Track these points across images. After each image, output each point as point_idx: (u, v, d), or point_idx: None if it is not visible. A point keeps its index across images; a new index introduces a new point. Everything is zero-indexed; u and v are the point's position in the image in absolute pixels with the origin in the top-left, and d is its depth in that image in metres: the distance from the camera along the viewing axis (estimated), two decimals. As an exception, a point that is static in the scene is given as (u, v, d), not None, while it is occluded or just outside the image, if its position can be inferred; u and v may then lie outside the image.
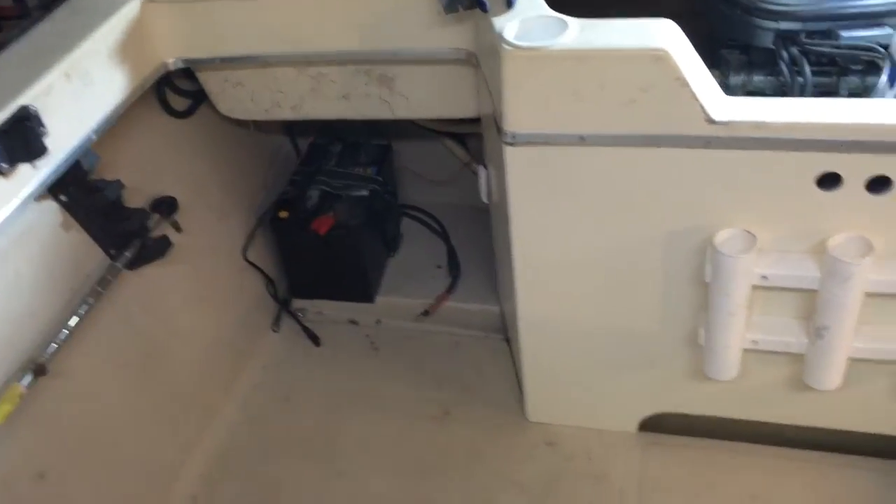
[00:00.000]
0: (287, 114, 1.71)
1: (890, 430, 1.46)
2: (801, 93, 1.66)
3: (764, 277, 1.26)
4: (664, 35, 1.15)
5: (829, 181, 1.17)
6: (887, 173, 1.14)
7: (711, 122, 1.15)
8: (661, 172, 1.23)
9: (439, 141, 2.16)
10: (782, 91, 1.74)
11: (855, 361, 1.33)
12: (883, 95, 1.40)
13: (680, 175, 1.23)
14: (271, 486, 1.65)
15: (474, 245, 2.07)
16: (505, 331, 1.92)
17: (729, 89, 1.85)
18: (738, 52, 1.91)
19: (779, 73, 1.80)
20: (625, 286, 1.40)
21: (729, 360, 1.37)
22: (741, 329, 1.33)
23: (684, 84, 1.13)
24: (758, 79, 1.83)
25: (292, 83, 1.65)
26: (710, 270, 1.27)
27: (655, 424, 1.62)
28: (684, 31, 1.21)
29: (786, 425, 1.52)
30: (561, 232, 1.37)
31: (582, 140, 1.24)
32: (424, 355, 1.92)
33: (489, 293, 1.98)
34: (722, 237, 1.25)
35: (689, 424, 1.60)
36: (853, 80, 1.54)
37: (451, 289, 2.02)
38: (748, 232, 1.25)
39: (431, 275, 2.07)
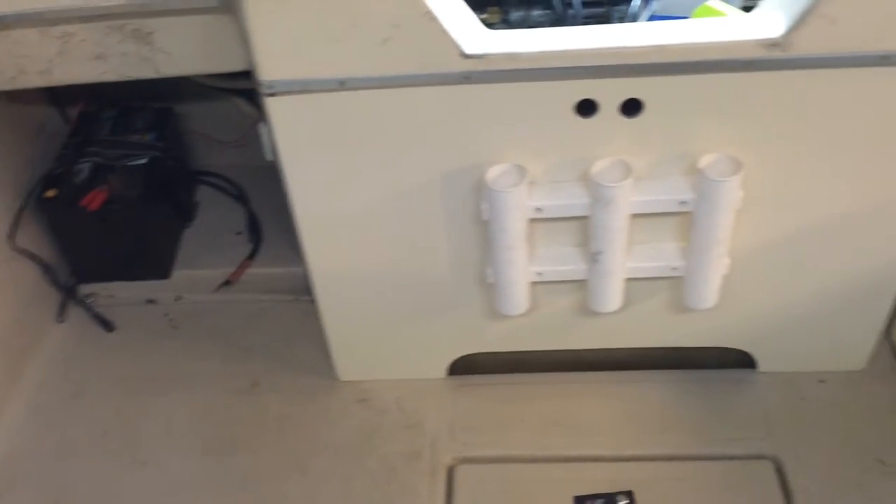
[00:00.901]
0: (36, 80, 1.53)
1: (672, 343, 1.55)
2: (574, 24, 1.70)
3: (538, 209, 1.28)
4: (408, -32, 1.10)
5: (586, 108, 1.19)
6: (638, 96, 1.18)
7: (465, 56, 1.13)
8: (425, 112, 1.21)
9: (227, 99, 2.04)
10: (559, 24, 1.77)
11: (631, 281, 1.39)
12: (637, 19, 1.45)
13: (444, 114, 1.21)
14: (66, 490, 1.52)
15: (276, 206, 1.95)
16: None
17: (511, 24, 1.87)
18: (520, -13, 1.93)
19: (556, 5, 1.83)
20: (410, 232, 1.38)
21: (517, 294, 1.39)
22: (524, 263, 1.34)
23: (432, 18, 1.09)
24: (536, 13, 1.86)
25: (36, 46, 1.47)
26: (486, 208, 1.27)
27: (464, 367, 1.63)
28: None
29: (581, 350, 1.58)
30: (337, 183, 1.32)
31: (342, 85, 1.19)
32: (229, 327, 1.83)
33: (294, 254, 1.89)
34: (493, 173, 1.25)
35: (495, 362, 1.62)
36: (622, 9, 1.58)
37: (252, 255, 1.93)
38: (518, 166, 1.25)
39: (231, 242, 1.97)
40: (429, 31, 1.11)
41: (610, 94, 1.18)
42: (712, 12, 1.33)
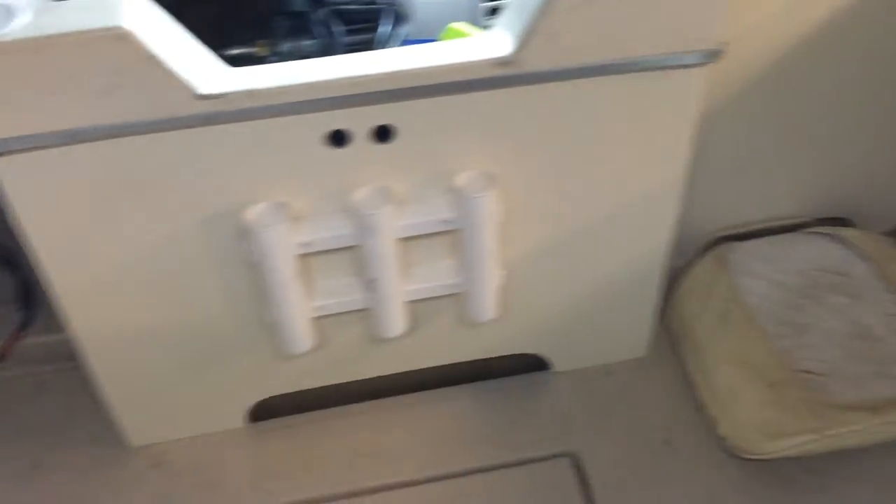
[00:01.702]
0: None
1: (466, 357, 1.58)
2: (339, 52, 1.70)
3: (307, 244, 1.25)
4: (129, 12, 1.04)
5: (338, 138, 1.18)
6: (388, 122, 1.18)
7: (200, 97, 1.08)
8: (167, 159, 1.15)
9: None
10: (329, 53, 1.77)
11: (415, 303, 1.40)
12: (387, 45, 1.46)
13: (189, 158, 1.15)
14: None
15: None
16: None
17: (283, 57, 1.84)
18: (286, 18, 1.91)
19: (320, 35, 1.82)
20: (176, 284, 1.31)
21: (299, 332, 1.35)
22: (301, 300, 1.31)
23: (157, 62, 1.04)
24: (306, 44, 1.84)
25: None
26: (251, 249, 1.22)
27: (264, 411, 1.57)
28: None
29: (381, 377, 1.57)
30: (88, 241, 1.23)
31: (73, 137, 1.10)
32: (3, 406, 1.66)
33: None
34: (253, 213, 1.21)
35: (296, 402, 1.58)
36: (383, 34, 1.60)
37: (25, 324, 1.77)
38: (279, 203, 1.22)
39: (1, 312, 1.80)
40: (155, 75, 1.05)
41: (359, 122, 1.17)
42: (458, 34, 1.37)
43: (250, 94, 1.10)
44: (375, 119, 1.18)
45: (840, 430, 1.40)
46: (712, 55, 1.19)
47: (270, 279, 1.25)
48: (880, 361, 1.50)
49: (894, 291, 1.60)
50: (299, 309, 1.32)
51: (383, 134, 1.20)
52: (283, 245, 1.22)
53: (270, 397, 1.54)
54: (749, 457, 1.45)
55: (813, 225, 1.78)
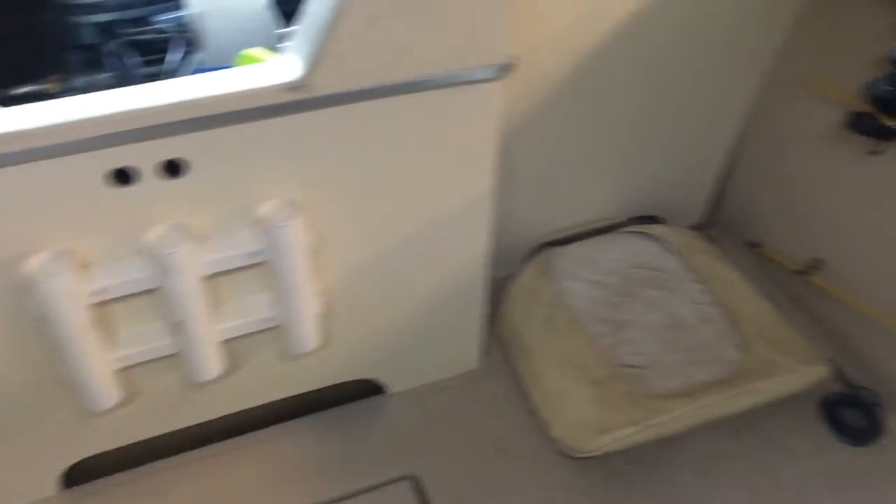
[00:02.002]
0: None
1: (297, 390, 1.52)
2: (135, 84, 1.60)
3: (100, 292, 1.16)
4: None
5: (123, 177, 1.10)
6: (178, 155, 1.11)
7: (-45, 142, 0.98)
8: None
9: None
10: (126, 84, 1.66)
11: (231, 341, 1.33)
12: (178, 74, 1.39)
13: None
14: None
15: None
16: None
17: (77, 91, 1.72)
18: (79, 52, 1.79)
19: (113, 67, 1.72)
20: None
21: (101, 387, 1.25)
22: (99, 352, 1.21)
23: None
24: (103, 77, 1.73)
25: None
26: (35, 303, 1.12)
27: (83, 474, 1.44)
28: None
29: (210, 421, 1.48)
30: None
31: None
32: None
33: None
34: (34, 264, 1.10)
35: (119, 459, 1.46)
36: (172, 63, 1.52)
37: None
38: (64, 250, 1.12)
39: None
40: None
41: (145, 158, 1.10)
42: (252, 59, 1.32)
43: (20, 135, 1.00)
44: (163, 153, 1.10)
45: (660, 419, 1.46)
46: (505, 69, 1.21)
47: (60, 333, 1.15)
48: (693, 349, 1.58)
49: (701, 281, 1.70)
50: (98, 362, 1.22)
51: (174, 168, 1.13)
52: (70, 295, 1.12)
53: (86, 458, 1.42)
54: (580, 455, 1.48)
55: (627, 225, 1.87)
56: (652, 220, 1.90)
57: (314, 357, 1.42)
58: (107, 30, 1.66)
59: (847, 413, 1.61)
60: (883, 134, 1.44)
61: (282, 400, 1.52)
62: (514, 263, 1.78)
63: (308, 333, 1.35)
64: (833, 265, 1.67)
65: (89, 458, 1.42)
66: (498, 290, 1.71)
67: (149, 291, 1.20)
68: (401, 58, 1.13)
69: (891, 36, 1.41)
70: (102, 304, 1.18)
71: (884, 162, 1.50)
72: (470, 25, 1.14)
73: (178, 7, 1.65)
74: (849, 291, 1.63)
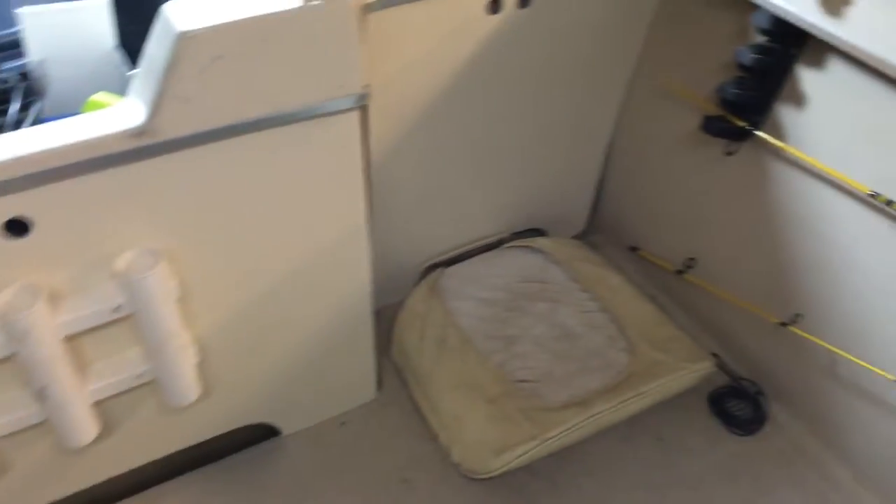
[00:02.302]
0: None
1: (182, 444, 1.46)
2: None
3: (-52, 365, 1.09)
4: None
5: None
6: (19, 213, 1.06)
7: None
8: None
9: None
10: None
11: (105, 401, 1.27)
12: (20, 125, 1.33)
13: None
14: None
15: None
16: None
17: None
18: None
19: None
20: None
21: (-37, 465, 1.18)
22: (-44, 428, 1.14)
23: None
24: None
25: None
26: None
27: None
28: None
29: (92, 486, 1.41)
30: None
31: None
32: None
33: None
34: None
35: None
36: (12, 115, 1.45)
37: None
38: None
39: None
40: None
41: (-18, 217, 1.04)
42: (99, 105, 1.28)
43: None
44: (3, 212, 1.05)
45: (556, 432, 1.47)
46: (361, 98, 1.21)
47: None
48: (583, 357, 1.61)
49: (586, 290, 1.74)
50: (-44, 439, 1.14)
51: (18, 227, 1.07)
52: (-88, 373, 1.05)
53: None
54: (482, 476, 1.48)
55: (511, 239, 1.89)
56: (536, 232, 1.93)
57: (198, 407, 1.37)
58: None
59: (733, 405, 1.67)
60: (735, 135, 1.51)
61: (170, 455, 1.45)
62: (403, 289, 1.77)
63: (186, 385, 1.30)
64: (705, 263, 1.74)
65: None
66: (390, 318, 1.70)
67: (4, 359, 1.14)
68: (250, 95, 1.11)
69: (736, 40, 1.48)
70: (-47, 377, 1.11)
71: (738, 161, 1.57)
72: (318, 58, 1.13)
73: (18, 56, 1.58)
74: (722, 287, 1.69)
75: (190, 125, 1.09)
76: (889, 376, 1.37)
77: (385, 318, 1.67)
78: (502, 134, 1.70)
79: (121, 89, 1.39)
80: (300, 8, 1.08)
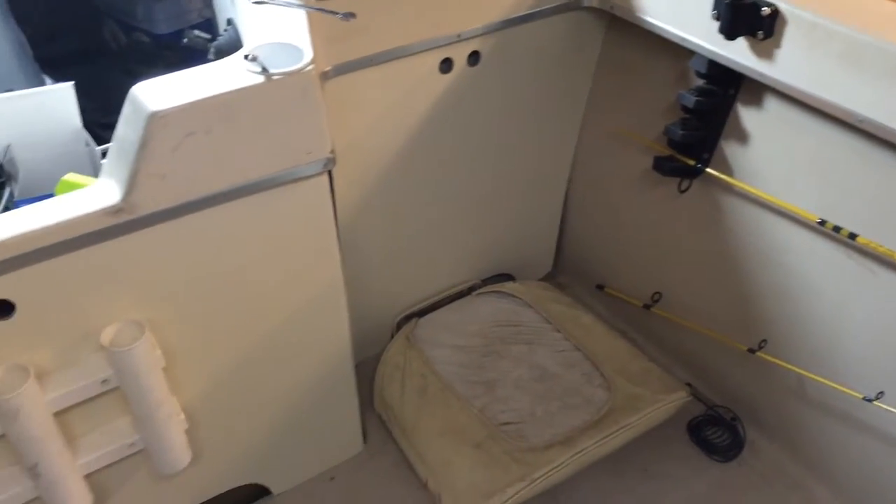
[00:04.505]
0: None
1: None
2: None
3: (-61, 449, 1.11)
4: None
5: (-55, 326, 1.07)
6: (4, 296, 1.09)
7: None
8: None
9: None
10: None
11: (96, 473, 1.29)
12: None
13: None
14: None
15: None
16: None
17: None
18: None
19: None
20: None
21: (-44, 550, 1.18)
22: (-52, 512, 1.15)
23: None
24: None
25: None
26: None
27: None
28: None
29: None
30: None
31: None
32: None
33: None
34: None
35: None
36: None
37: None
38: None
39: None
40: None
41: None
42: (73, 185, 1.32)
43: None
44: (-8, 294, 1.09)
45: (544, 471, 1.51)
46: (328, 162, 1.27)
47: None
48: (562, 395, 1.65)
49: (558, 330, 1.79)
50: (-52, 523, 1.16)
51: (1, 308, 1.10)
52: None
53: None
54: (473, 522, 1.50)
55: (482, 286, 1.95)
56: (504, 277, 1.99)
57: (188, 473, 1.39)
58: None
59: (712, 432, 1.71)
60: (685, 173, 1.59)
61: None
62: (379, 342, 1.82)
63: (177, 452, 1.32)
64: (670, 296, 1.80)
65: None
66: (368, 371, 1.74)
67: (-4, 438, 1.16)
68: (222, 167, 1.16)
69: (677, 84, 1.57)
70: (-58, 462, 1.13)
71: (692, 197, 1.65)
72: (286, 128, 1.19)
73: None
74: (689, 318, 1.75)
75: (165, 200, 1.14)
76: (855, 394, 1.43)
77: (363, 372, 1.71)
78: (464, 185, 1.77)
79: (90, 168, 1.45)
80: (264, 83, 1.15)
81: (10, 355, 1.13)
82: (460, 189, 1.76)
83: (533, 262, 2.06)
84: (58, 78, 1.60)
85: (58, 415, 1.18)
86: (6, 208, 1.43)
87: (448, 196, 1.75)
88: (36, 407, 1.14)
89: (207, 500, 1.51)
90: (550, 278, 2.08)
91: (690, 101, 1.49)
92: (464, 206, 1.80)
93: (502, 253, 1.96)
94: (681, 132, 1.52)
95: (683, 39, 1.46)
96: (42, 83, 1.66)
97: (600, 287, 1.97)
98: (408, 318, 1.84)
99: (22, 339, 1.14)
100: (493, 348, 1.76)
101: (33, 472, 1.19)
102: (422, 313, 1.85)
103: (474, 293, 1.91)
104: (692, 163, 1.56)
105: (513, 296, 1.87)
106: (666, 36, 1.49)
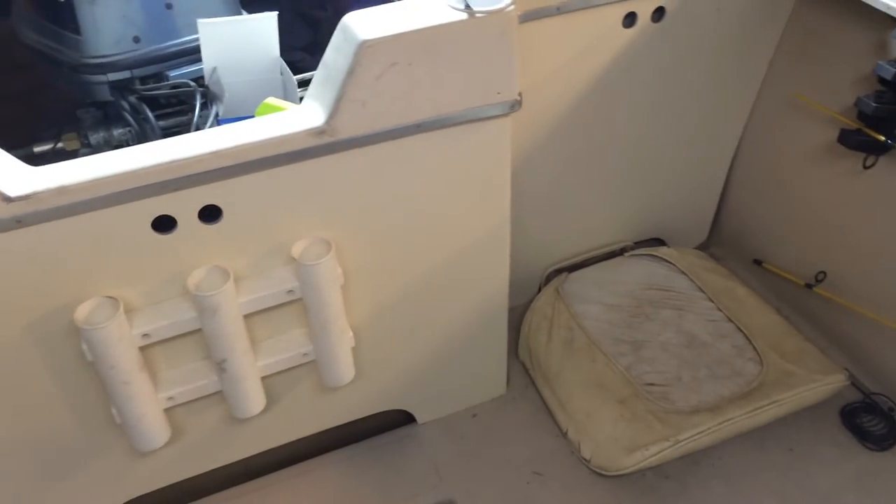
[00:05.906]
0: None
1: (332, 423, 1.58)
2: (154, 137, 1.68)
3: (146, 336, 1.22)
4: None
5: (163, 224, 1.18)
6: (213, 202, 1.19)
7: (9, 200, 1.05)
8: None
9: None
10: (143, 140, 1.74)
11: (270, 378, 1.39)
12: (202, 126, 1.48)
13: (9, 262, 1.12)
14: None
15: None
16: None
17: (93, 148, 1.80)
18: (93, 109, 1.87)
19: (130, 122, 1.80)
20: (9, 395, 1.24)
21: (151, 427, 1.30)
22: (149, 393, 1.27)
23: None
24: (118, 132, 1.82)
25: None
26: (86, 348, 1.18)
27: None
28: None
29: (246, 459, 1.53)
30: None
31: None
32: None
33: None
34: (83, 311, 1.17)
35: (166, 497, 1.51)
36: (197, 116, 1.61)
37: None
38: (110, 297, 1.19)
39: None
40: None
41: (182, 205, 1.17)
42: (273, 109, 1.40)
43: (62, 190, 1.08)
44: (200, 201, 1.18)
45: (689, 434, 1.50)
46: (514, 105, 1.30)
47: (110, 377, 1.21)
48: (711, 365, 1.63)
49: (711, 299, 1.76)
50: (148, 403, 1.28)
51: (210, 214, 1.20)
52: (119, 340, 1.18)
53: (133, 499, 1.47)
54: (613, 474, 1.52)
55: (633, 248, 1.94)
56: (657, 242, 1.97)
57: (347, 390, 1.48)
58: (121, 87, 1.75)
59: (866, 420, 1.65)
60: (873, 148, 1.52)
61: (318, 433, 1.57)
62: (527, 293, 1.85)
63: (344, 367, 1.41)
64: (836, 276, 1.73)
65: (136, 500, 1.47)
66: (514, 320, 1.77)
67: (191, 333, 1.27)
68: (417, 99, 1.22)
69: (873, 54, 1.50)
70: (149, 346, 1.25)
71: (875, 174, 1.58)
72: (481, 66, 1.23)
73: (192, 62, 1.74)
74: (854, 301, 1.68)
75: (363, 126, 1.21)
76: None
77: (509, 320, 1.74)
78: (630, 143, 1.76)
79: (282, 94, 1.54)
80: (467, 20, 1.18)
81: (214, 258, 1.24)
82: (625, 146, 1.75)
83: (687, 230, 2.03)
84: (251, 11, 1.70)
85: (246, 317, 1.28)
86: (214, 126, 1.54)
87: (612, 152, 1.74)
88: (231, 307, 1.24)
89: (360, 419, 1.60)
90: (703, 248, 2.04)
91: (889, 73, 1.41)
92: (626, 165, 1.79)
93: (657, 217, 1.94)
94: (874, 105, 1.45)
95: (889, 7, 1.38)
96: (239, 14, 1.76)
97: (757, 262, 1.92)
98: (558, 271, 1.86)
99: (224, 245, 1.24)
100: (643, 310, 1.75)
101: (220, 367, 1.30)
102: (571, 269, 1.86)
103: (626, 254, 1.91)
104: (882, 138, 1.49)
105: (666, 260, 1.86)
106: (868, 1, 1.42)
